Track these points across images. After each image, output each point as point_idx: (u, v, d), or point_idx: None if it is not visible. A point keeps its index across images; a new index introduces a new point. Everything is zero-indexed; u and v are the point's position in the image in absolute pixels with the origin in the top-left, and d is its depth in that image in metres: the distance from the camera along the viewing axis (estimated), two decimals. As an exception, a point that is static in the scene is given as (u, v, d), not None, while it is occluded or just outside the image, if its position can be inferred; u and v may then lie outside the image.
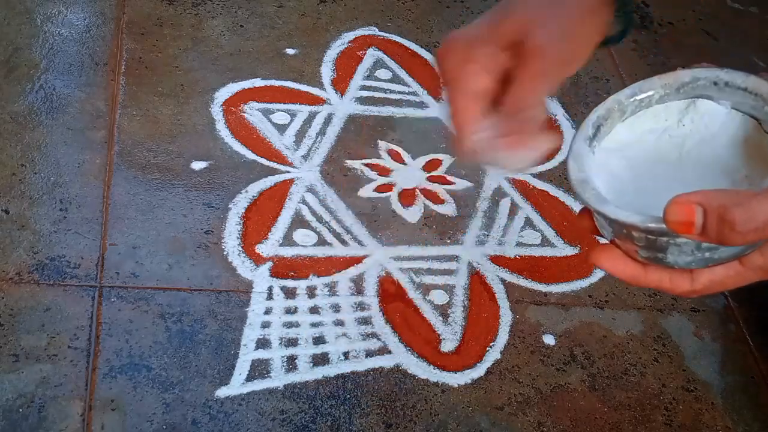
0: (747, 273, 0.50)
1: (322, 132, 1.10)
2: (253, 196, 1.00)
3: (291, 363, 0.87)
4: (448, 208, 1.05)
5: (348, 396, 0.85)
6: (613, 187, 0.54)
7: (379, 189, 1.05)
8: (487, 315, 0.95)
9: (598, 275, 1.01)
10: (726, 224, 0.45)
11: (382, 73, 1.20)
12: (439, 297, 0.95)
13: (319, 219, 1.00)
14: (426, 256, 0.99)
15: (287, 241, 0.97)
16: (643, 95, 0.56)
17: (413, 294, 0.95)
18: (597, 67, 1.27)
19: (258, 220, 0.98)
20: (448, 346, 0.91)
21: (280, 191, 1.02)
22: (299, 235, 0.98)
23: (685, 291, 0.51)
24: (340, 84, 1.17)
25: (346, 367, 0.88)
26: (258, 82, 1.15)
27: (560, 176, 1.11)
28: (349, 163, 1.07)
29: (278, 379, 0.86)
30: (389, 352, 0.90)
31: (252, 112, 1.11)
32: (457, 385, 0.88)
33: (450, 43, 0.57)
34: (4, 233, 0.92)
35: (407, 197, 1.05)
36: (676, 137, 0.56)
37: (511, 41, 0.55)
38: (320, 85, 1.16)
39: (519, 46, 0.56)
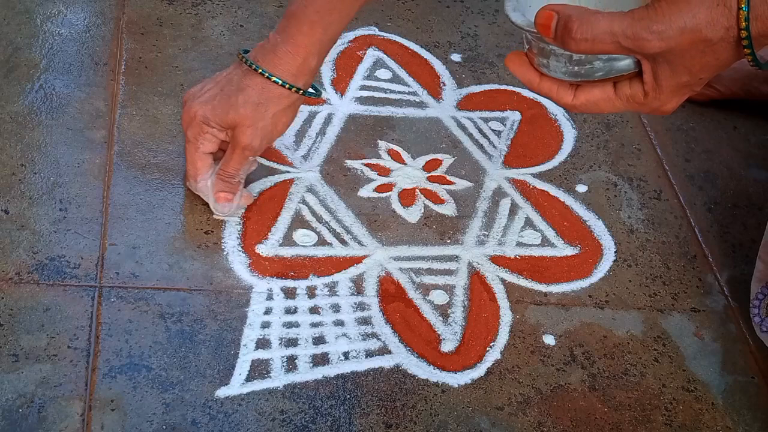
0: (617, 101, 0.60)
1: (321, 132, 1.10)
2: (253, 197, 1.00)
3: (291, 363, 0.87)
4: (448, 208, 1.05)
5: (348, 396, 0.85)
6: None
7: (379, 189, 1.05)
8: (487, 315, 0.95)
9: (598, 275, 1.01)
10: (566, 31, 0.56)
11: (382, 73, 1.20)
12: (439, 297, 0.95)
13: (319, 219, 1.00)
14: (426, 256, 0.99)
15: (287, 241, 0.97)
16: None
17: (413, 294, 0.95)
18: (597, 67, 1.27)
19: (258, 221, 0.98)
20: (448, 346, 0.91)
21: (280, 191, 1.02)
22: (299, 235, 0.98)
23: (567, 104, 0.62)
24: (340, 84, 1.17)
25: (346, 367, 0.88)
26: (258, 82, 1.15)
27: (560, 176, 1.11)
28: (349, 163, 1.07)
29: (278, 379, 0.86)
30: (389, 352, 0.90)
31: (252, 112, 1.11)
32: (457, 385, 0.88)
33: (190, 111, 0.90)
34: (3, 233, 0.92)
35: (407, 197, 1.05)
36: None
37: (229, 127, 0.90)
38: (320, 85, 1.16)
39: (234, 130, 0.90)
